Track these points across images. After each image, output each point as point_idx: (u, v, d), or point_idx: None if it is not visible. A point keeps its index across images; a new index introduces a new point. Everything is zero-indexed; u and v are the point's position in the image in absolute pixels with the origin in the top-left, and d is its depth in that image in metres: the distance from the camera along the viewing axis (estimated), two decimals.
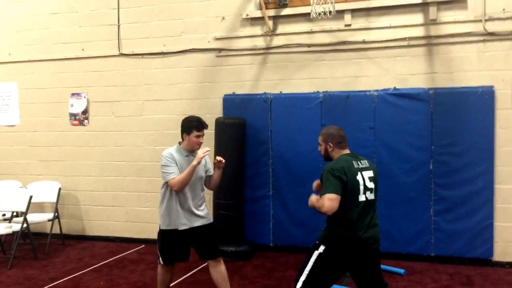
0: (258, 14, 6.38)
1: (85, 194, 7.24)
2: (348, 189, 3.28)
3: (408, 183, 5.86)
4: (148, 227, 6.93)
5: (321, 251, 3.35)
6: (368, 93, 5.98)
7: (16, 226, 6.12)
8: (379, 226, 3.49)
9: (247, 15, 6.44)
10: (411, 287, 5.03)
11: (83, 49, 7.16)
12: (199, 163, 4.04)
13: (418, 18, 5.89)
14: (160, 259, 4.24)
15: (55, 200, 6.93)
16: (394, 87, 5.93)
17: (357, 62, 6.13)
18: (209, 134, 6.24)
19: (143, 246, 6.80)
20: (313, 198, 3.35)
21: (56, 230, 6.89)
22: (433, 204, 5.79)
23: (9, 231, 6.00)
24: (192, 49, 6.70)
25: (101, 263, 6.02)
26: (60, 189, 6.98)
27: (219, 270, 4.21)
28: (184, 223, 4.13)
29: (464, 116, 5.67)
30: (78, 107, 7.21)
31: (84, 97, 7.17)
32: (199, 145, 4.15)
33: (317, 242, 3.43)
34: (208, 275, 4.31)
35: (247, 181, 6.38)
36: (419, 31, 5.90)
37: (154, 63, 6.88)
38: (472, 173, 5.68)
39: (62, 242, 6.95)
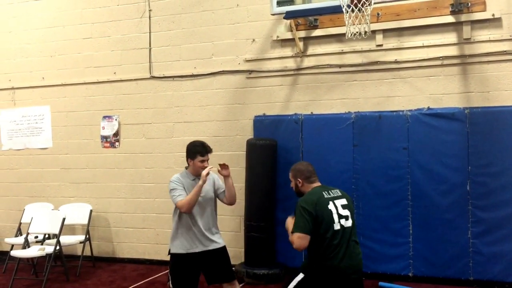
0: (288, 35, 6.40)
1: (116, 216, 7.26)
2: (320, 219, 3.34)
3: (444, 204, 5.72)
4: None
5: (300, 279, 3.42)
6: (401, 113, 5.90)
7: (48, 249, 6.15)
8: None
9: (277, 36, 6.46)
10: None
11: (114, 73, 7.27)
12: (204, 182, 4.02)
13: (451, 37, 5.83)
14: (170, 282, 4.21)
15: (86, 222, 6.96)
16: (428, 107, 5.85)
17: (389, 82, 6.07)
18: (241, 155, 6.29)
19: None
20: (289, 221, 3.48)
21: (86, 252, 6.91)
22: (471, 226, 5.63)
23: (42, 253, 6.02)
24: (223, 71, 6.74)
25: (133, 286, 5.99)
26: (91, 211, 7.02)
27: None
28: (193, 246, 4.11)
29: (501, 136, 5.55)
30: (109, 129, 7.28)
31: (116, 119, 7.25)
32: (204, 169, 4.12)
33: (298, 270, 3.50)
34: None
35: (279, 203, 6.31)
36: (453, 50, 5.83)
37: (184, 85, 6.93)
38: (510, 194, 5.52)
39: (93, 265, 6.95)
